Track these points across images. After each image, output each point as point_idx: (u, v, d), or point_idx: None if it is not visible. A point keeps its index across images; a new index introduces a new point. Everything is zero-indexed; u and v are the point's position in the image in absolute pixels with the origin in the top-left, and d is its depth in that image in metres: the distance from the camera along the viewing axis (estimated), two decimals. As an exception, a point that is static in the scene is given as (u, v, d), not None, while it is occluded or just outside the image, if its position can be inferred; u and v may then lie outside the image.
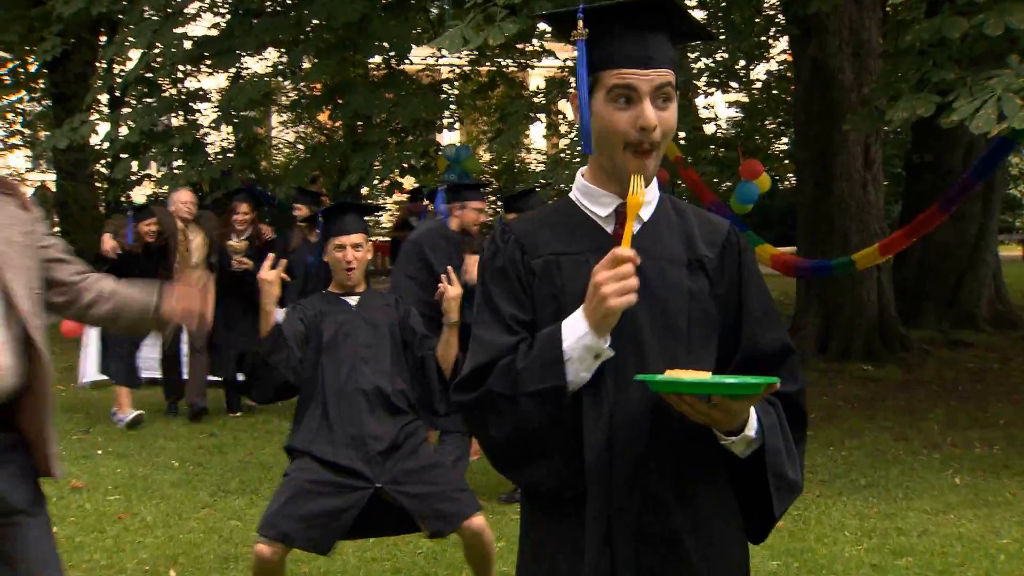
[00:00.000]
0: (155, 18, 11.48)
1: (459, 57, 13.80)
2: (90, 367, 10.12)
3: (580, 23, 1.92)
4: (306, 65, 12.63)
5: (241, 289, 8.63)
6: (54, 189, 20.32)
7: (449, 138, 19.06)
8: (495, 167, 21.36)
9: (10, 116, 19.36)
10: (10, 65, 18.92)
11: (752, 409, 1.91)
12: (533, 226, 2.08)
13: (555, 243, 2.01)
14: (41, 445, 2.74)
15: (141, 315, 2.96)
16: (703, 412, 1.83)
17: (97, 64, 17.35)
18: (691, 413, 1.85)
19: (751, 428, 1.91)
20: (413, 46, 12.79)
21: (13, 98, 17.40)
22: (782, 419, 2.00)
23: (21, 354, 2.65)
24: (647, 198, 1.99)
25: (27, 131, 21.56)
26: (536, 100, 12.87)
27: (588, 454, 1.93)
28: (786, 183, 18.14)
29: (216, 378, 9.25)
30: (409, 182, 14.37)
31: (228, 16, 12.87)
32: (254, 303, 4.30)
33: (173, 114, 12.89)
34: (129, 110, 13.08)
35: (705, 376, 1.81)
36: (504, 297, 2.03)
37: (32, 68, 18.74)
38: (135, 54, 12.52)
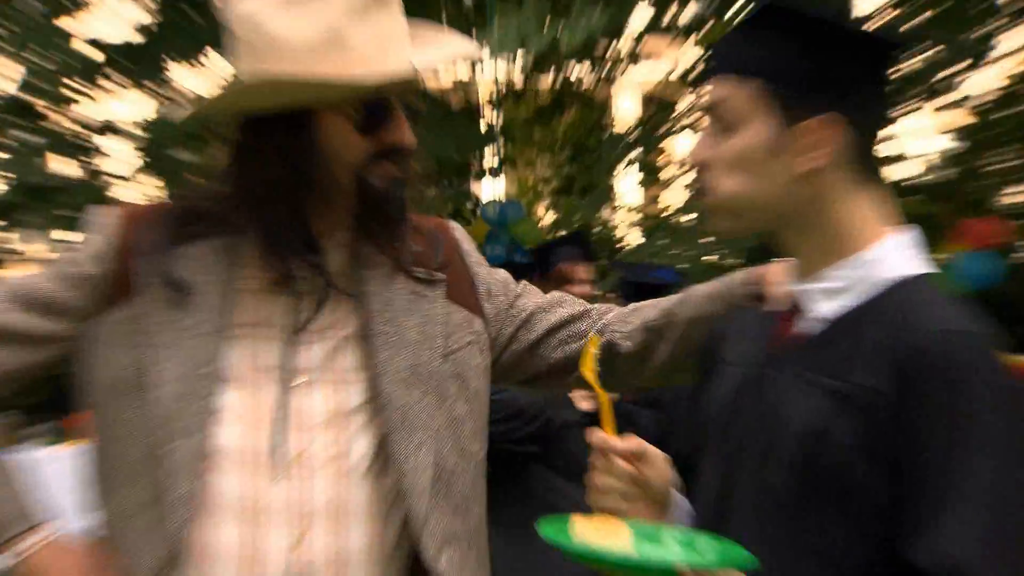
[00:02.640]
0: (40, 19, 8.66)
1: (508, 63, 10.72)
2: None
3: None
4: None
5: None
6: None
7: (491, 190, 14.91)
8: (561, 231, 16.58)
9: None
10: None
11: None
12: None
13: (730, 345, 1.74)
14: None
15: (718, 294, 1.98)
16: None
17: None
18: None
19: None
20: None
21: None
22: None
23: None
24: (831, 285, 1.53)
25: None
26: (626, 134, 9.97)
27: None
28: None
29: None
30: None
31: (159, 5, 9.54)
32: None
33: (65, 158, 9.49)
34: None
35: (615, 539, 1.44)
36: None
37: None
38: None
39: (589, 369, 1.61)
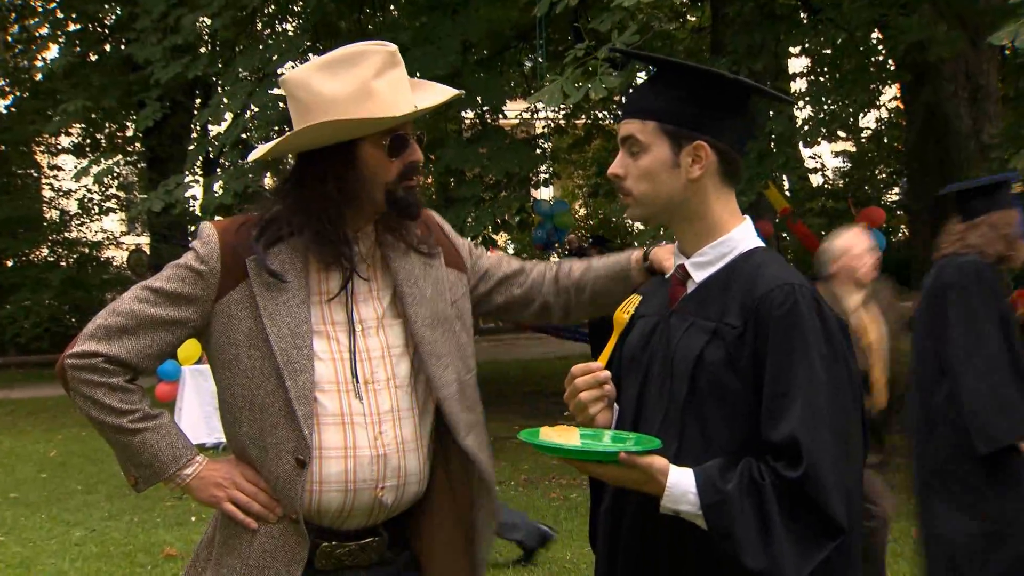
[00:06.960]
0: (250, 79, 11.44)
1: (555, 111, 13.30)
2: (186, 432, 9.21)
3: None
4: (399, 120, 11.97)
5: None
6: (148, 252, 20.40)
7: (545, 193, 18.25)
8: (591, 222, 20.63)
9: (106, 179, 19.43)
10: (109, 130, 18.91)
11: (691, 483, 1.77)
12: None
13: (646, 303, 2.07)
14: (432, 568, 2.23)
15: (619, 274, 2.38)
16: (591, 472, 1.86)
17: (192, 126, 17.16)
18: (583, 471, 1.86)
19: (671, 499, 1.78)
20: (507, 100, 12.35)
21: (111, 162, 17.30)
22: (757, 500, 1.75)
23: (430, 456, 2.22)
24: (705, 259, 1.94)
25: (123, 194, 21.70)
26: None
27: (599, 516, 2.08)
28: (899, 235, 17.42)
29: None
30: (503, 239, 13.76)
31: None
32: None
33: (266, 175, 11.79)
34: (222, 172, 12.30)
35: (569, 439, 1.79)
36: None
37: (130, 132, 18.81)
38: (230, 117, 12.16)
39: (620, 313, 2.05)
